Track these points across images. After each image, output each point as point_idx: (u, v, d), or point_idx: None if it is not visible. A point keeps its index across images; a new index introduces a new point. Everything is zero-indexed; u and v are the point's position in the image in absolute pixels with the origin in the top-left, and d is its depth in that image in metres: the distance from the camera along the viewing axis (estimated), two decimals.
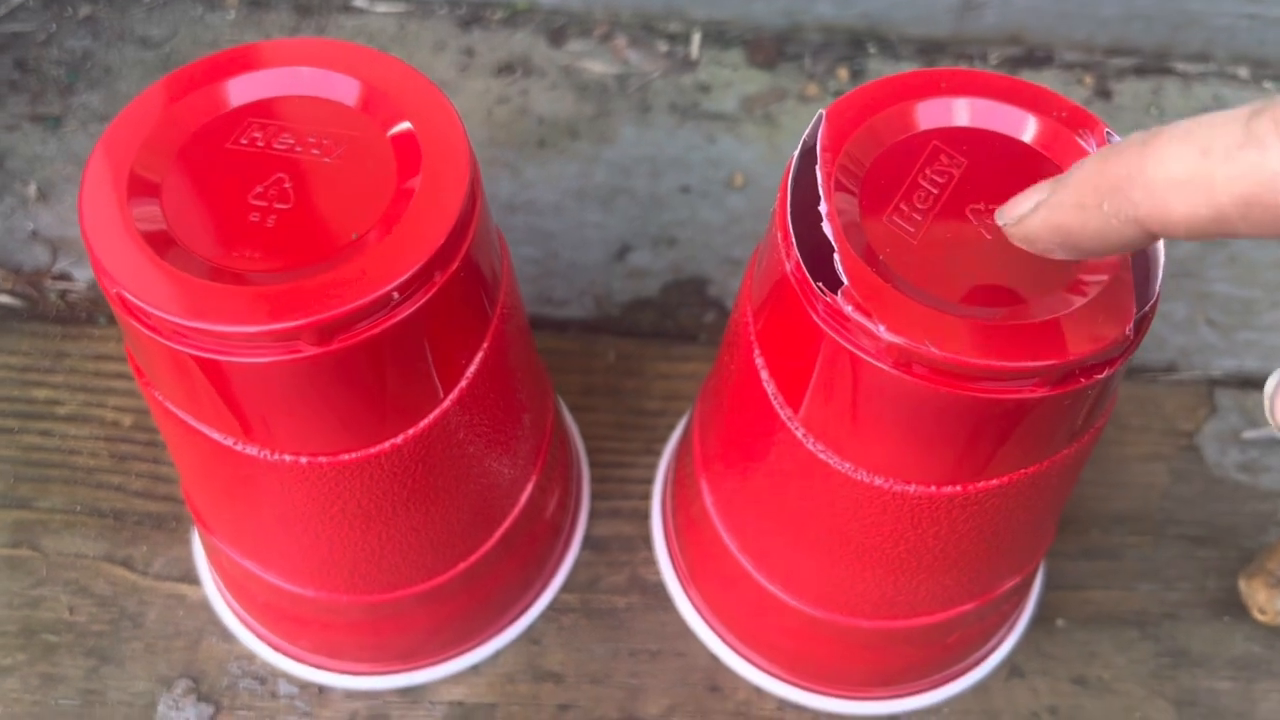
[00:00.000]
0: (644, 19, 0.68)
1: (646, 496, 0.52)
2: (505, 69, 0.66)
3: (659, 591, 0.49)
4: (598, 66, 0.66)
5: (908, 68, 0.67)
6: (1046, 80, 0.67)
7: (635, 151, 0.63)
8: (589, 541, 0.51)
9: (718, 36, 0.67)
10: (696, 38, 0.67)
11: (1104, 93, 0.67)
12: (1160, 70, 0.68)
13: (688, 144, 0.63)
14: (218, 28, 0.67)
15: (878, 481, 0.34)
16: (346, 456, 0.35)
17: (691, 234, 0.60)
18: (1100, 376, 0.31)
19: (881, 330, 0.30)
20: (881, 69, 0.67)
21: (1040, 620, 0.49)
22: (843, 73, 0.66)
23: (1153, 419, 0.55)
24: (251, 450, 0.35)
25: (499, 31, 0.67)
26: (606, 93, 0.65)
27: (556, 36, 0.67)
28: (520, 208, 0.61)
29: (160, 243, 0.31)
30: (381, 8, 0.68)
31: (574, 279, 0.58)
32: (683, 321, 0.57)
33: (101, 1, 0.68)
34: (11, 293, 0.57)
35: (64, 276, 0.58)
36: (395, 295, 0.31)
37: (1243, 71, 0.68)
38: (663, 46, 0.67)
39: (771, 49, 0.67)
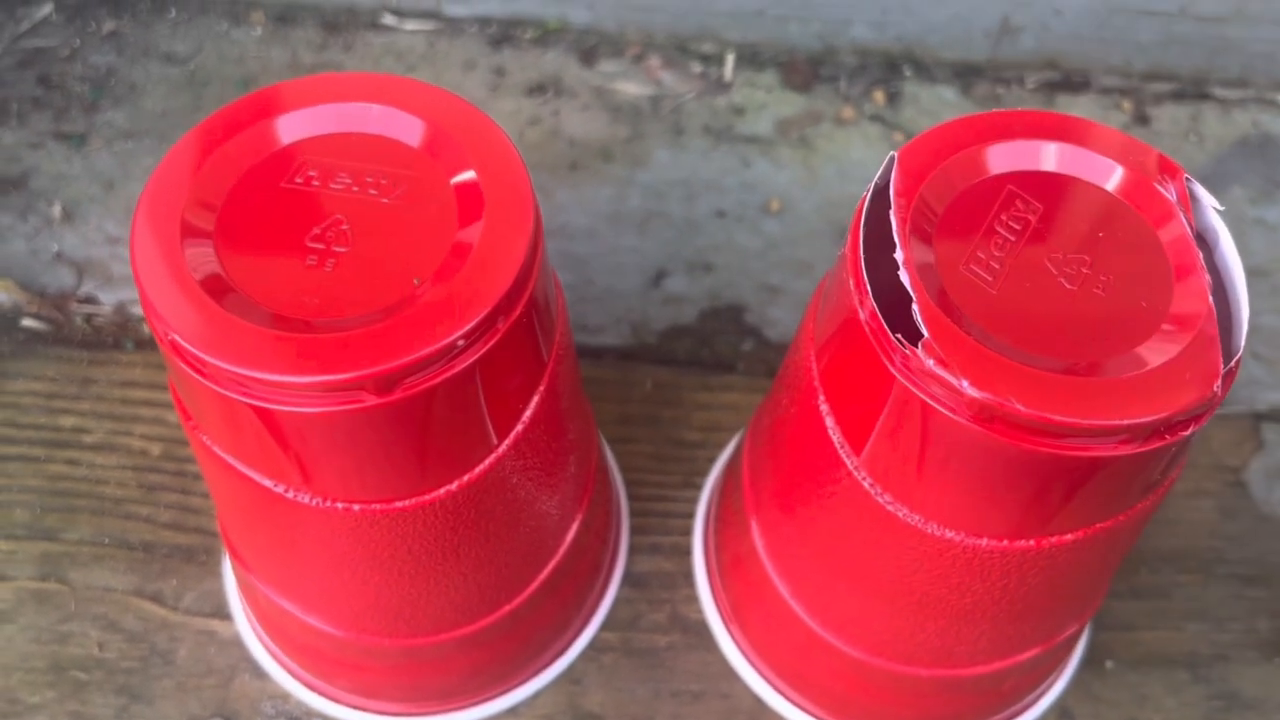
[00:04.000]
0: (677, 40, 0.67)
1: (687, 532, 0.51)
2: (536, 89, 0.65)
3: (701, 630, 0.48)
4: (631, 88, 0.65)
5: (944, 91, 0.66)
6: (1084, 105, 0.66)
7: (669, 175, 0.62)
8: (629, 578, 0.50)
9: (751, 58, 0.67)
10: (730, 59, 0.66)
11: (1142, 118, 0.66)
12: (1199, 96, 0.67)
13: (722, 167, 0.62)
14: (244, 44, 0.66)
15: (948, 534, 0.33)
16: (400, 504, 0.34)
17: (728, 259, 0.59)
18: (1185, 433, 0.30)
19: (964, 385, 0.29)
20: (918, 93, 0.66)
21: (1090, 662, 0.48)
22: (879, 96, 0.65)
23: (1199, 454, 0.54)
24: (303, 498, 0.34)
25: (530, 51, 0.66)
26: (639, 114, 0.64)
27: (588, 56, 0.66)
28: (553, 232, 0.60)
29: (217, 289, 0.30)
30: (411, 25, 0.67)
31: (609, 305, 0.58)
32: (720, 350, 0.57)
33: (126, 17, 0.67)
34: (37, 316, 0.56)
35: (90, 300, 0.57)
36: (459, 343, 0.30)
37: None
38: (696, 68, 0.66)
39: (806, 71, 0.66)
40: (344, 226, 0.32)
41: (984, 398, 0.29)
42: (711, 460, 0.52)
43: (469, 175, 0.32)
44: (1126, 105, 0.66)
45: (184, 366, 0.30)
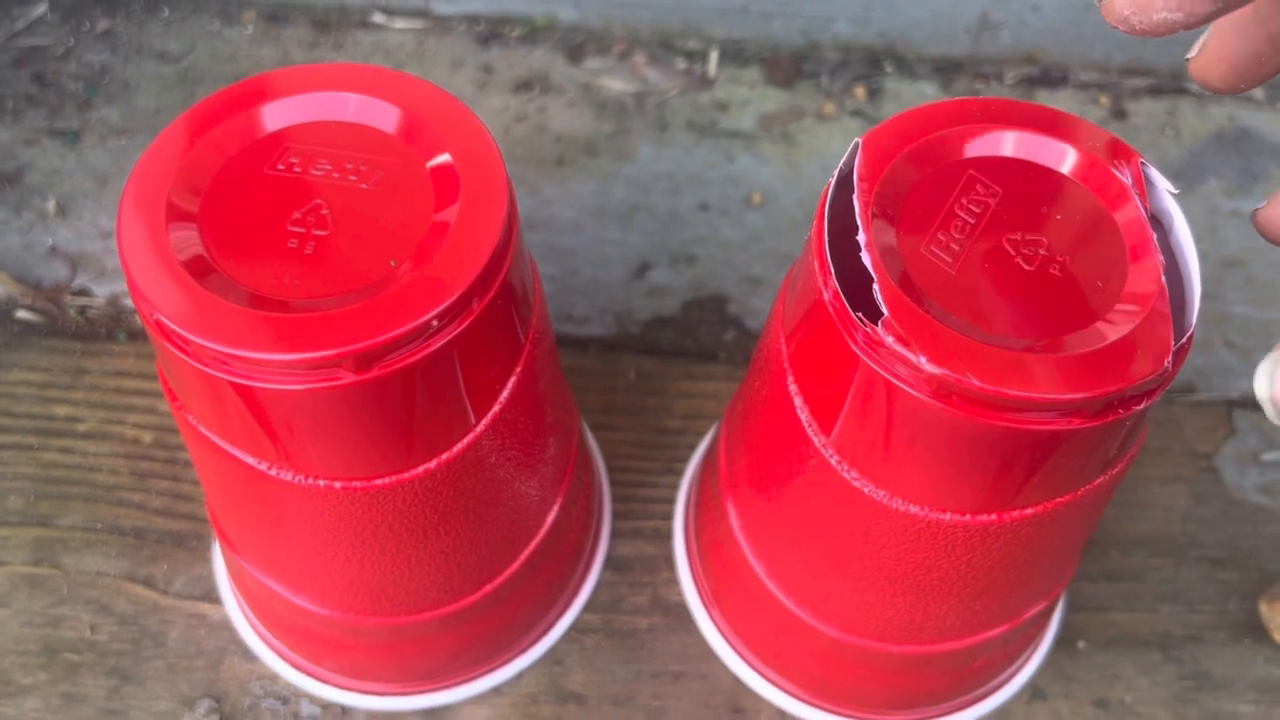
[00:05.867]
0: (662, 36, 0.68)
1: (668, 516, 0.52)
2: (523, 86, 0.66)
3: (681, 612, 0.49)
4: (616, 84, 0.66)
5: (925, 87, 0.67)
6: (1062, 100, 0.67)
7: (654, 169, 0.63)
8: (611, 561, 0.51)
9: (735, 54, 0.68)
10: (714, 56, 0.67)
11: (1120, 113, 0.67)
12: (1176, 90, 0.68)
13: (706, 162, 0.63)
14: (236, 42, 0.67)
15: (913, 510, 0.34)
16: (380, 481, 0.35)
17: (711, 251, 0.60)
18: (1138, 408, 0.31)
19: (922, 361, 0.30)
20: (899, 88, 0.67)
21: (1062, 642, 0.49)
22: (860, 91, 0.66)
23: (1171, 440, 0.55)
24: (285, 475, 0.34)
25: (517, 49, 0.67)
26: (625, 110, 0.65)
27: (575, 54, 0.67)
28: (539, 225, 0.61)
29: (200, 270, 0.31)
30: (400, 24, 0.68)
31: (594, 296, 0.59)
32: (703, 340, 0.57)
33: (120, 15, 0.68)
34: (31, 308, 0.57)
35: (83, 292, 0.58)
36: (434, 323, 0.31)
37: (1258, 93, 0.68)
38: (681, 64, 0.67)
39: (789, 67, 0.67)
40: (324, 211, 0.33)
41: (942, 373, 0.30)
42: (693, 447, 0.53)
43: (444, 158, 0.33)
44: (1104, 100, 0.67)
45: (168, 346, 0.31)
